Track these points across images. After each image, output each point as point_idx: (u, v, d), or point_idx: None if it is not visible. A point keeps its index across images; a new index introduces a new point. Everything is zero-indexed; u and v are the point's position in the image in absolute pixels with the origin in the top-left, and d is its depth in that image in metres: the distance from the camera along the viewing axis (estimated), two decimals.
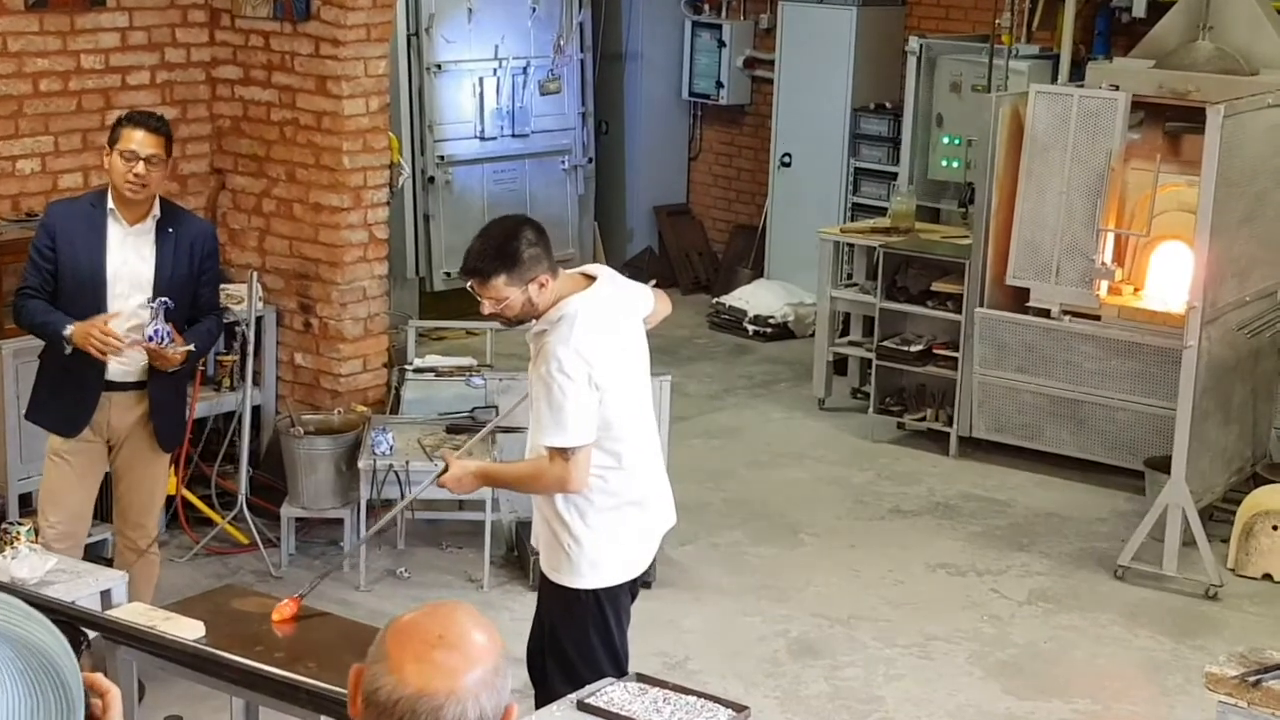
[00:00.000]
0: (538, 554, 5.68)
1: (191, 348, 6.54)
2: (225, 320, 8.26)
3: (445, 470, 5.62)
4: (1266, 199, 8.70)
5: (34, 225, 6.96)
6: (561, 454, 5.27)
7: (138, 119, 6.49)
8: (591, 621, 5.49)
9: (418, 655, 2.58)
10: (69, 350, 6.33)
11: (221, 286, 7.26)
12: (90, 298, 6.43)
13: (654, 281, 6.44)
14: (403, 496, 7.91)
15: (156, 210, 6.52)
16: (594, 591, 5.47)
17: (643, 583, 5.77)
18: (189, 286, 6.56)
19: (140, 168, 6.34)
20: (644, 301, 5.73)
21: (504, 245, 5.26)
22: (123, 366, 6.54)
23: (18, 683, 2.10)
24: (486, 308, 5.35)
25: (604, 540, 5.45)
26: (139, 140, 6.36)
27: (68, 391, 6.54)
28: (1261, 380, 9.08)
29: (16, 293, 6.55)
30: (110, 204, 6.44)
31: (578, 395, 5.22)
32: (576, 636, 5.48)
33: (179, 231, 6.56)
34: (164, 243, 6.51)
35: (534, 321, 5.37)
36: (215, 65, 8.92)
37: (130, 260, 6.48)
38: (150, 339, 6.39)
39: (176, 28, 8.79)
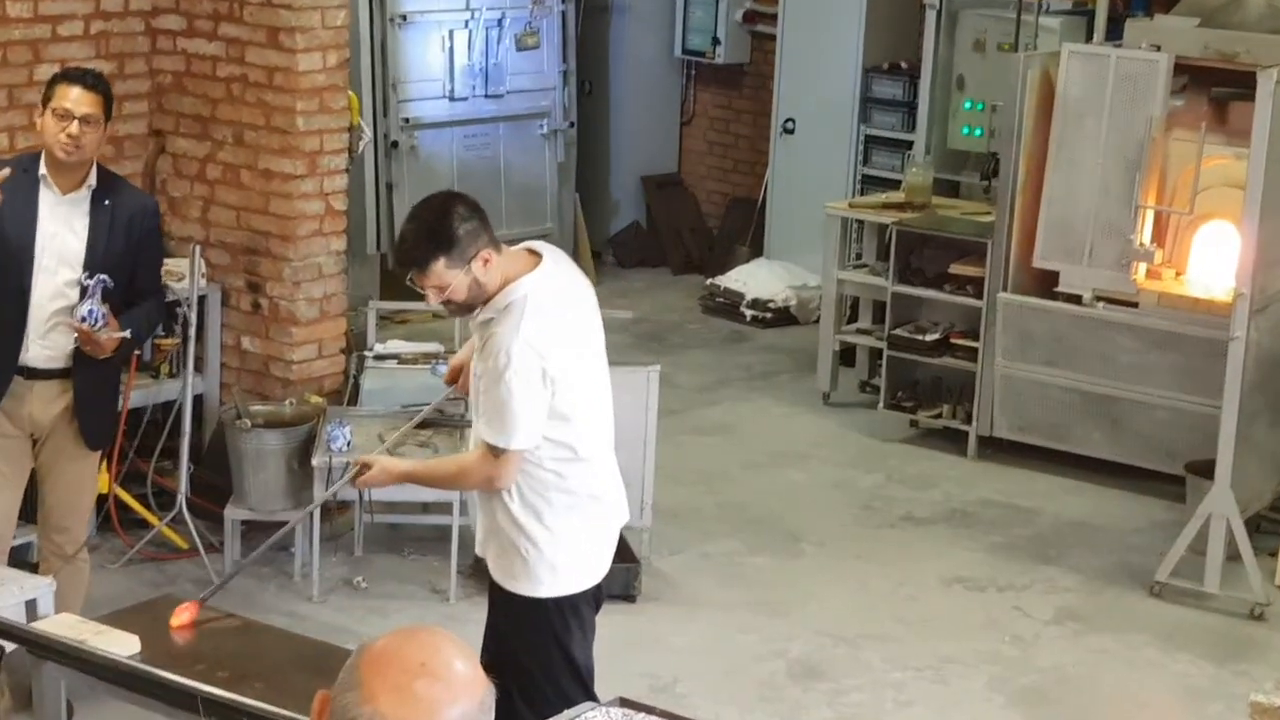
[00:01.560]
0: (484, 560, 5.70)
1: (126, 334, 6.51)
2: (166, 300, 8.27)
3: (361, 471, 5.65)
4: None
5: None
6: (494, 451, 5.32)
7: (73, 75, 6.49)
8: (552, 633, 5.50)
9: (397, 685, 2.58)
10: None
11: (103, 318, 7.18)
12: (15, 271, 6.41)
13: None
14: (360, 499, 7.93)
15: (93, 179, 6.50)
16: (554, 600, 5.49)
17: (605, 591, 5.78)
18: (124, 265, 6.54)
19: (74, 128, 6.33)
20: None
21: (436, 226, 5.29)
22: (45, 351, 6.52)
23: None
24: (432, 298, 5.37)
25: (564, 542, 5.47)
26: (74, 98, 6.35)
27: None
28: None
29: None
30: (43, 169, 6.44)
31: (527, 395, 5.25)
32: (536, 650, 5.48)
33: (116, 204, 6.55)
34: (99, 215, 6.50)
35: (480, 309, 5.39)
36: (156, 14, 8.90)
37: (60, 232, 6.46)
38: (83, 320, 6.36)
39: None
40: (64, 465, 6.73)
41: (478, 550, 5.72)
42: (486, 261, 5.28)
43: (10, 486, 6.70)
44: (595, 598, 5.66)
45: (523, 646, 5.52)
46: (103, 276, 6.43)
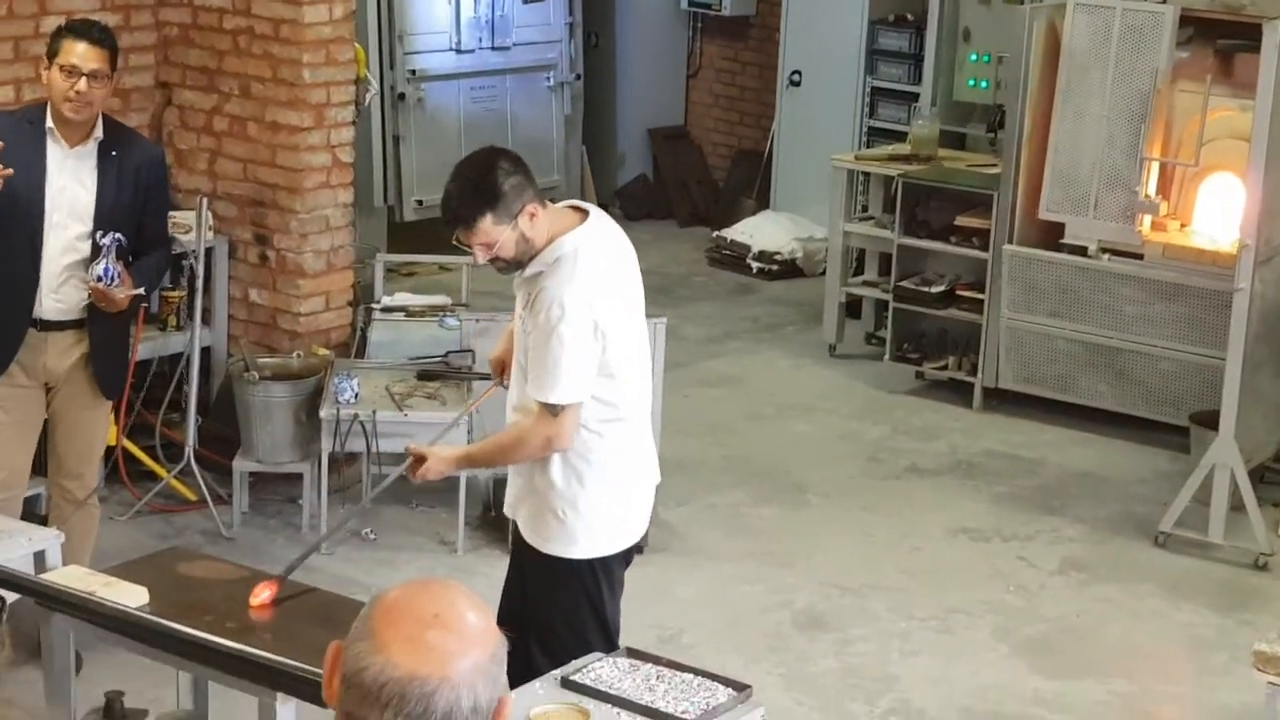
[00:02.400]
0: (513, 521, 5.67)
1: (141, 291, 6.56)
2: (173, 252, 8.26)
3: (417, 463, 5.58)
4: None
5: None
6: (551, 410, 5.27)
7: (80, 29, 6.45)
8: (584, 593, 5.49)
9: (409, 636, 2.58)
10: None
11: (118, 276, 7.17)
12: (25, 226, 6.41)
13: None
14: (368, 450, 7.95)
15: (99, 131, 6.50)
16: (588, 561, 5.48)
17: (636, 548, 5.77)
18: (133, 216, 6.55)
19: (82, 84, 6.32)
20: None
21: (481, 181, 5.24)
22: (59, 304, 6.54)
23: None
24: (480, 256, 5.30)
25: (603, 505, 5.44)
26: (81, 53, 6.33)
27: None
28: None
29: None
30: (49, 122, 6.42)
31: (579, 347, 5.21)
32: (566, 609, 5.48)
33: (124, 155, 6.54)
34: (106, 167, 6.50)
35: (528, 268, 5.35)
36: None
37: (69, 186, 6.46)
38: (99, 279, 6.38)
39: None
40: (78, 413, 6.76)
41: (507, 512, 5.67)
42: (533, 216, 5.23)
43: (24, 437, 6.73)
44: (626, 556, 5.66)
45: (553, 606, 5.51)
46: (118, 235, 6.43)
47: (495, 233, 5.21)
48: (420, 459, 5.56)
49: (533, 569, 5.58)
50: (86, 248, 6.47)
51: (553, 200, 5.51)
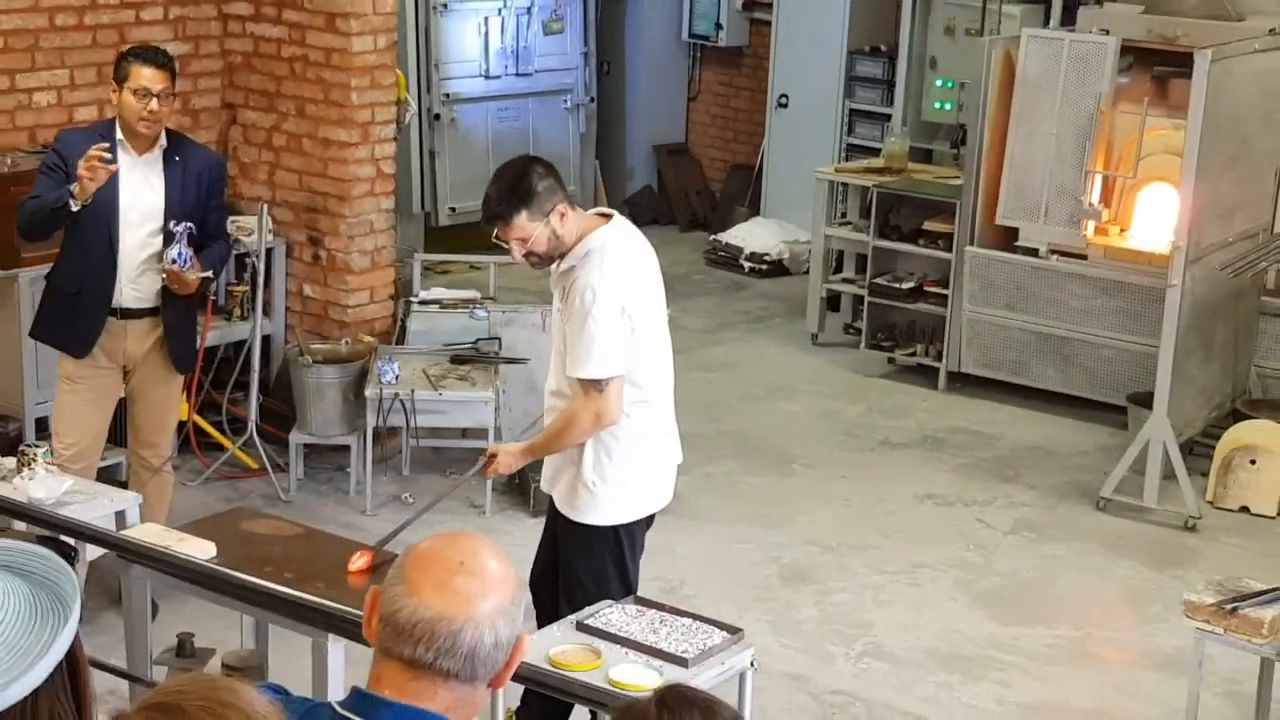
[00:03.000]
0: (537, 482, 5.66)
1: (209, 273, 6.64)
2: (236, 252, 8.27)
3: (489, 461, 5.61)
4: (1251, 143, 8.68)
5: None
6: (595, 386, 5.24)
7: (145, 55, 6.47)
8: (609, 556, 5.49)
9: (438, 581, 2.59)
10: (76, 207, 6.23)
11: (232, 219, 7.25)
12: (104, 227, 6.45)
13: None
14: (407, 425, 7.95)
15: (163, 140, 6.53)
16: (614, 528, 5.48)
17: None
18: (197, 213, 6.59)
19: (154, 104, 6.36)
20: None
21: (517, 183, 5.25)
22: (136, 294, 6.57)
23: (20, 600, 2.14)
24: (516, 251, 5.31)
25: (629, 478, 5.44)
26: (149, 77, 6.37)
27: (78, 312, 6.57)
28: (1242, 319, 9.09)
29: (21, 202, 6.51)
30: (119, 135, 6.44)
31: (611, 326, 5.20)
32: (594, 571, 5.47)
33: (186, 160, 6.59)
34: (172, 171, 6.54)
35: (559, 261, 5.35)
36: (226, 1, 8.87)
37: (140, 189, 6.49)
38: (173, 262, 6.45)
39: None
40: (154, 389, 6.79)
41: (544, 487, 5.64)
42: (563, 215, 5.25)
43: (101, 410, 6.77)
44: (648, 521, 5.65)
45: (583, 567, 5.51)
46: (188, 224, 6.48)
47: (530, 229, 5.23)
48: (493, 456, 5.59)
49: (565, 535, 5.57)
50: (159, 243, 6.51)
51: (603, 216, 5.52)
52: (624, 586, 5.47)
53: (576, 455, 5.40)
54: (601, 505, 5.44)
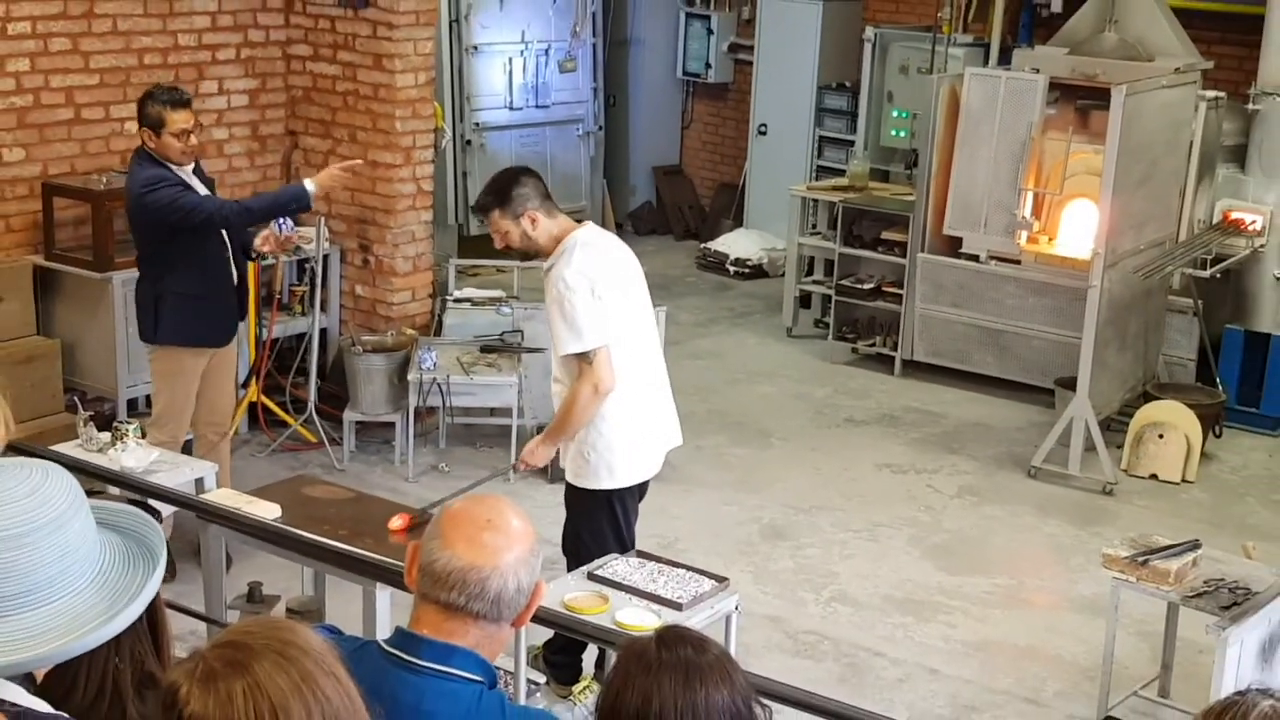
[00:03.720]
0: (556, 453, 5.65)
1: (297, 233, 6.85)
2: (298, 258, 8.29)
3: (518, 464, 5.74)
4: (1159, 165, 8.67)
5: None
6: (585, 360, 5.25)
7: (175, 100, 6.35)
8: (605, 518, 5.51)
9: (469, 536, 2.59)
10: (313, 204, 6.46)
11: (295, 228, 7.14)
12: (218, 233, 6.50)
13: None
14: (444, 405, 7.96)
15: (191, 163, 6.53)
16: (608, 492, 5.48)
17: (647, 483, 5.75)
18: None
19: (193, 139, 6.36)
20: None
21: (499, 187, 5.42)
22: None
23: (114, 551, 2.17)
24: (496, 239, 5.46)
25: (618, 448, 5.44)
26: (184, 118, 6.32)
27: (217, 308, 6.53)
28: (1152, 315, 9.08)
29: (206, 213, 6.31)
30: (165, 159, 6.37)
31: (585, 304, 5.22)
32: (594, 530, 5.49)
33: (198, 166, 6.64)
34: (198, 173, 6.56)
35: (544, 262, 5.40)
36: (290, 44, 8.87)
37: (199, 191, 6.50)
38: (280, 228, 6.56)
39: (258, 12, 8.73)
40: (224, 369, 6.79)
41: (561, 463, 5.63)
42: (534, 221, 5.33)
43: (194, 399, 6.73)
44: (641, 489, 5.66)
45: (585, 527, 5.54)
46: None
47: (503, 224, 5.38)
48: (523, 463, 5.63)
49: (569, 499, 5.60)
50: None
51: (579, 222, 5.54)
52: (620, 544, 5.46)
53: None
54: (596, 472, 5.46)
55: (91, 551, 2.11)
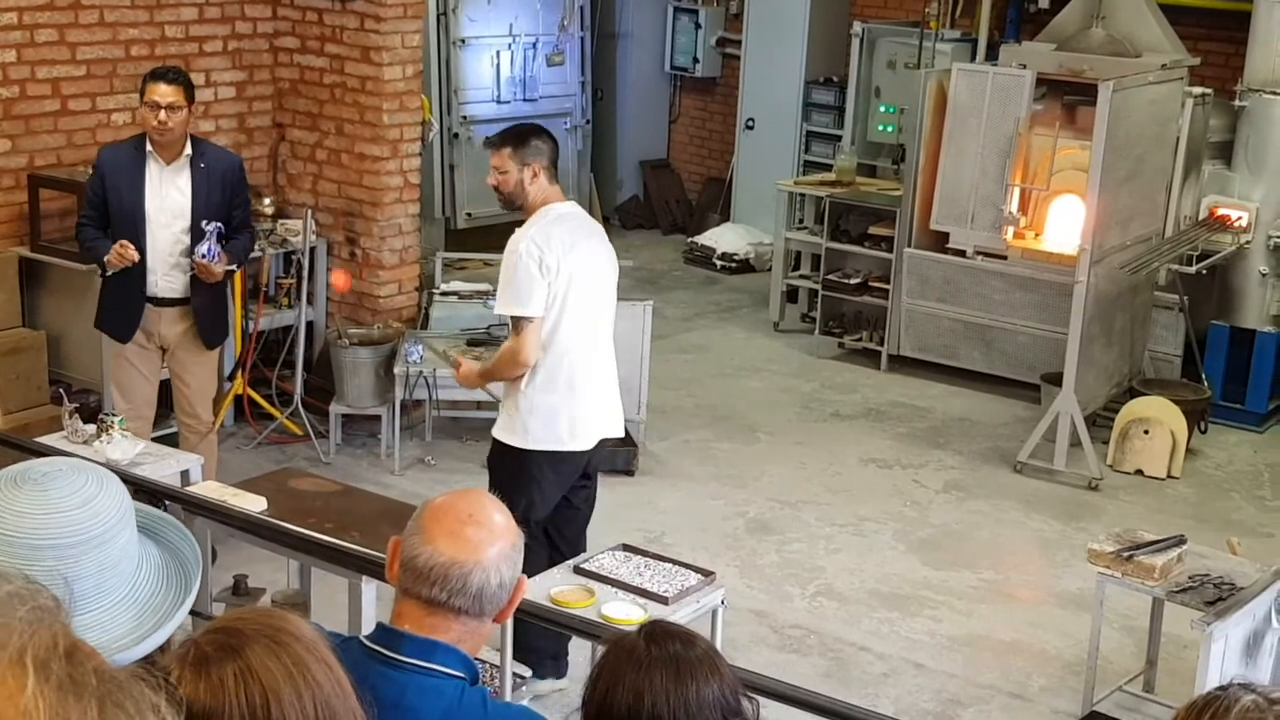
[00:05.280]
0: None
1: (233, 267, 6.64)
2: (284, 250, 8.24)
3: (456, 367, 5.91)
4: (1145, 161, 8.67)
5: None
6: (515, 327, 5.41)
7: (159, 73, 6.42)
8: (511, 474, 5.55)
9: (451, 531, 2.58)
10: (108, 272, 6.44)
11: (280, 221, 7.15)
12: (131, 226, 6.42)
13: None
14: (430, 397, 7.94)
15: (188, 149, 6.47)
16: (522, 452, 5.55)
17: (581, 474, 5.75)
18: (223, 211, 6.54)
19: (163, 115, 6.31)
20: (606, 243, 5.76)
21: (521, 131, 5.56)
22: (169, 284, 6.55)
23: (152, 566, 2.14)
24: (491, 176, 5.54)
25: (539, 412, 5.51)
26: (160, 92, 6.31)
27: (119, 306, 6.56)
28: (1138, 310, 9.09)
29: (77, 223, 6.65)
30: (149, 147, 6.39)
31: (528, 273, 5.35)
32: (503, 483, 5.45)
33: (210, 165, 6.52)
34: (197, 175, 6.48)
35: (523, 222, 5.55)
36: (277, 36, 8.83)
37: (170, 194, 6.45)
38: (203, 257, 6.44)
39: (245, 4, 8.69)
40: (192, 366, 6.75)
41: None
42: (535, 174, 5.47)
43: (149, 381, 6.74)
44: (557, 469, 5.62)
45: (497, 477, 5.61)
46: (218, 225, 6.46)
47: (508, 165, 5.48)
48: (458, 365, 5.86)
49: (490, 453, 5.71)
50: (188, 239, 6.47)
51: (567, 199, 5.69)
52: (526, 509, 5.40)
53: (513, 383, 5.56)
54: (513, 429, 5.55)
55: (129, 568, 2.08)
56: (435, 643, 2.56)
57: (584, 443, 5.64)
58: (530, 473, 5.54)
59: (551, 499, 5.65)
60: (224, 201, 6.54)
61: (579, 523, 5.86)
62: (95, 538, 2.01)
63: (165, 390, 6.94)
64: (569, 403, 5.54)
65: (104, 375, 7.67)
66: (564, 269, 5.38)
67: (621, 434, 5.87)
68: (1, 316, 7.63)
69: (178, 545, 2.21)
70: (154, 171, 6.41)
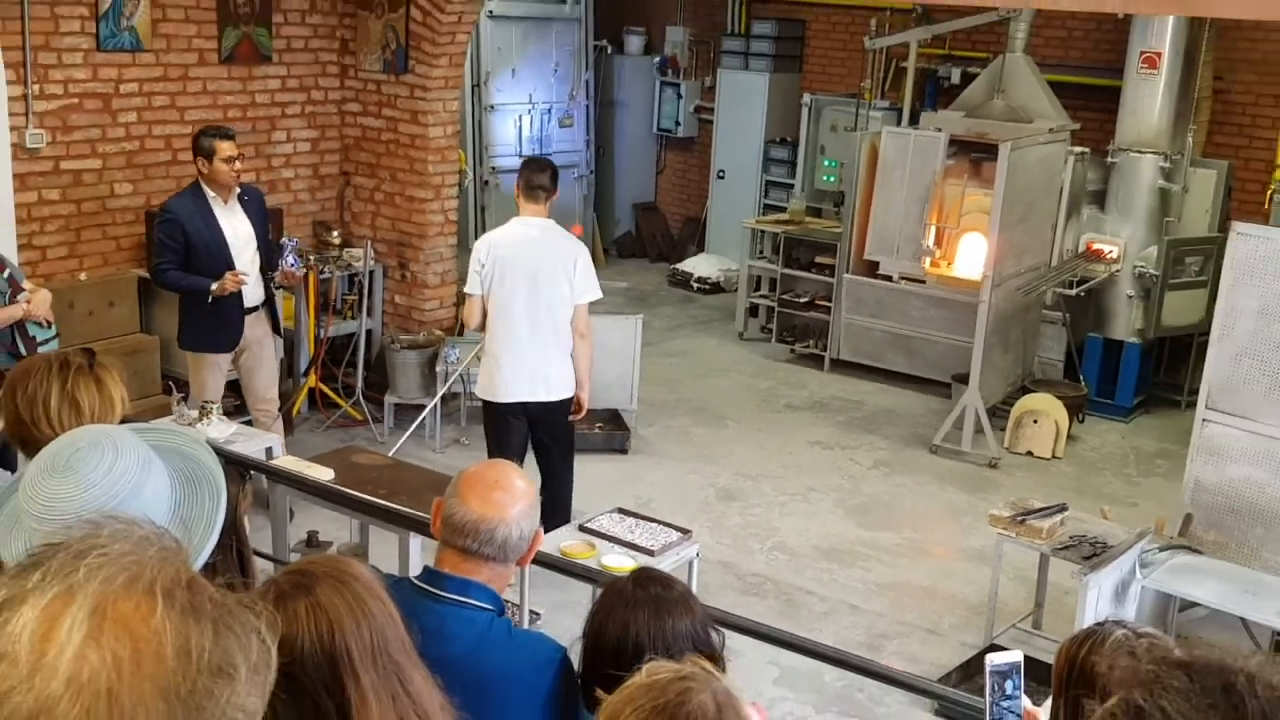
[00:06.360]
0: None
1: (304, 271, 6.79)
2: (349, 273, 8.23)
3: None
4: (1036, 206, 8.69)
5: None
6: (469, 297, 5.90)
7: (225, 132, 6.33)
8: (485, 421, 6.04)
9: (481, 495, 2.59)
10: (211, 300, 6.24)
11: (345, 249, 7.07)
12: (220, 257, 6.32)
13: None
14: (464, 391, 7.92)
15: (238, 189, 6.42)
16: (483, 401, 5.98)
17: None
18: (264, 229, 6.53)
19: (238, 165, 6.29)
20: (569, 249, 5.85)
21: (555, 174, 5.93)
22: (253, 294, 6.49)
23: (174, 481, 2.01)
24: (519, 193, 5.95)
25: (485, 370, 5.93)
26: (230, 148, 6.27)
27: (221, 323, 6.42)
28: (1029, 324, 9.10)
29: (156, 268, 6.31)
30: (208, 193, 6.31)
31: (473, 261, 5.79)
32: (484, 428, 6.06)
33: (249, 198, 6.49)
34: (247, 208, 6.45)
35: None
36: (344, 102, 8.82)
37: (237, 225, 6.40)
38: (290, 266, 6.47)
39: (319, 76, 8.68)
40: (263, 357, 6.69)
41: None
42: (517, 194, 5.91)
43: (224, 379, 6.63)
44: (505, 424, 5.91)
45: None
46: (294, 239, 6.44)
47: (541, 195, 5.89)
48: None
49: None
50: (259, 258, 6.45)
51: (546, 215, 5.95)
52: (494, 448, 5.88)
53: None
54: (480, 383, 5.99)
55: (164, 497, 1.98)
56: (470, 581, 2.57)
57: (516, 396, 5.88)
58: (492, 420, 5.97)
59: (505, 438, 5.91)
60: (263, 223, 6.54)
61: (552, 459, 6.10)
62: (130, 492, 1.92)
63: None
64: (497, 368, 5.87)
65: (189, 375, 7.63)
66: (498, 264, 5.74)
67: (550, 400, 5.94)
68: (124, 324, 7.61)
69: (190, 450, 2.06)
70: (220, 210, 6.34)
